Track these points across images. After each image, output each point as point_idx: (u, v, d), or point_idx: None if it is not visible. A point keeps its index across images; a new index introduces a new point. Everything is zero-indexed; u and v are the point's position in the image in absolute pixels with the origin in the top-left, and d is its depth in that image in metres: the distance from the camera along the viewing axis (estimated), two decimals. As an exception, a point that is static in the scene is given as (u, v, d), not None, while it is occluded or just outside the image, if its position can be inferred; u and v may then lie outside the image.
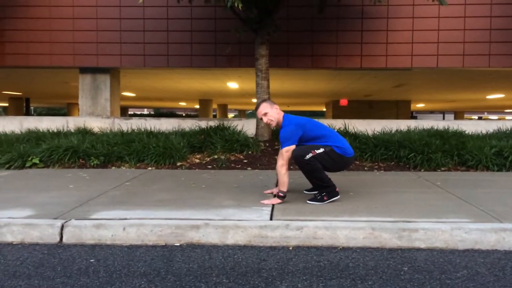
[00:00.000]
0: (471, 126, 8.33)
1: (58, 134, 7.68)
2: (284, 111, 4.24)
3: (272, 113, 4.08)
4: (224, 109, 31.67)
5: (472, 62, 9.16)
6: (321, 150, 3.93)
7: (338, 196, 4.05)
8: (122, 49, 9.52)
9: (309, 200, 4.02)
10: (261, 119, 4.14)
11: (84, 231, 3.25)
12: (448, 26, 9.11)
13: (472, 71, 10.16)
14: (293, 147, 3.91)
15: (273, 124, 4.12)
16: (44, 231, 3.26)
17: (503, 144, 6.38)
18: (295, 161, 3.97)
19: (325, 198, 3.98)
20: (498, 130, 7.98)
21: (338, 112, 22.80)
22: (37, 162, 6.28)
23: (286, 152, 3.91)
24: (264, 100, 4.20)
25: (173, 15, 9.39)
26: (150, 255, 2.97)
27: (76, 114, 29.70)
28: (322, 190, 4.03)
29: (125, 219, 3.40)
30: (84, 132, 7.97)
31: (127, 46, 9.50)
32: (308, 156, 3.89)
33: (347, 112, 22.25)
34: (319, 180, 4.00)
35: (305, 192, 4.44)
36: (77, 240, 3.24)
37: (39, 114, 40.59)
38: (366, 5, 9.07)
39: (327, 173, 4.07)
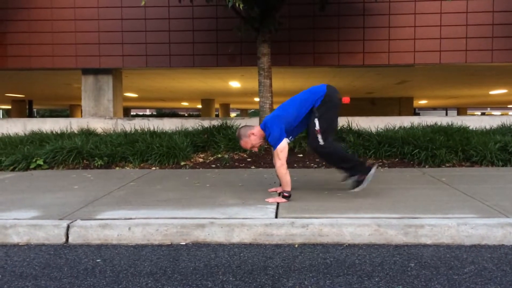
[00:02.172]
0: (475, 121, 8.30)
1: (61, 136, 7.70)
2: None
3: (253, 141, 4.10)
4: (226, 109, 31.65)
5: (474, 57, 9.11)
6: (316, 121, 3.93)
7: (375, 167, 4.00)
8: (124, 50, 9.52)
9: (349, 189, 4.05)
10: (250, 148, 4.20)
11: (90, 231, 3.25)
12: (450, 22, 9.07)
13: (475, 66, 10.11)
14: (285, 142, 3.91)
15: (262, 143, 4.23)
16: (50, 232, 3.26)
17: (507, 139, 6.36)
18: (317, 154, 4.04)
19: (362, 177, 3.96)
20: (502, 125, 7.95)
21: (341, 109, 22.73)
22: (41, 163, 6.30)
23: (281, 151, 3.90)
24: (239, 137, 4.16)
25: (175, 15, 9.38)
26: (156, 254, 2.97)
27: (79, 116, 29.76)
28: (355, 172, 3.99)
29: (131, 218, 3.40)
30: (87, 133, 7.99)
31: (129, 46, 9.51)
32: (320, 140, 3.90)
33: (349, 110, 22.07)
34: (346, 161, 4.00)
35: (342, 182, 4.28)
36: (83, 240, 3.24)
37: (42, 116, 40.70)
38: (368, 1, 9.04)
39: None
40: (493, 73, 12.20)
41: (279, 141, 3.89)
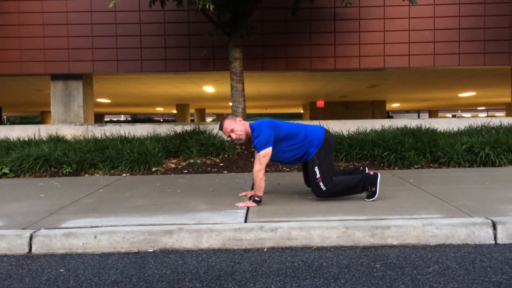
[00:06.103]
0: (443, 124, 8.48)
1: (29, 143, 7.49)
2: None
3: (238, 127, 4.01)
4: (201, 114, 31.49)
5: (442, 61, 9.35)
6: (316, 170, 3.97)
7: (379, 175, 4.03)
8: (94, 55, 9.37)
9: (366, 198, 4.08)
10: (230, 136, 4.07)
11: (54, 240, 3.16)
12: (418, 26, 9.28)
13: (443, 70, 10.37)
14: (270, 149, 3.88)
15: (243, 137, 4.07)
16: (12, 242, 3.16)
17: (473, 141, 6.52)
18: (322, 197, 4.07)
19: (372, 189, 4.01)
20: (470, 127, 8.15)
21: (315, 113, 22.97)
22: (7, 172, 6.12)
23: (264, 156, 3.87)
24: (225, 117, 4.07)
25: (146, 19, 9.29)
26: (122, 262, 2.92)
27: (50, 122, 29.10)
28: (365, 188, 4.05)
29: (97, 226, 3.33)
30: (56, 140, 7.80)
31: (100, 51, 9.36)
32: (322, 186, 3.96)
33: (324, 113, 22.43)
34: (351, 188, 4.05)
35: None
36: (46, 250, 3.15)
37: (13, 123, 39.63)
38: (338, 6, 9.16)
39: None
40: (461, 76, 12.53)
41: (265, 146, 3.85)
